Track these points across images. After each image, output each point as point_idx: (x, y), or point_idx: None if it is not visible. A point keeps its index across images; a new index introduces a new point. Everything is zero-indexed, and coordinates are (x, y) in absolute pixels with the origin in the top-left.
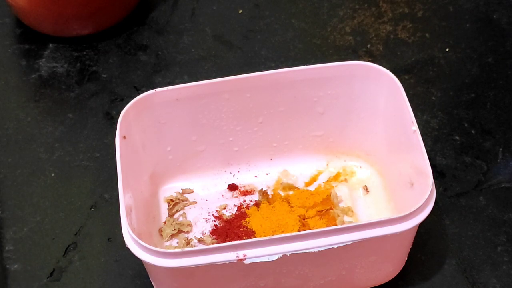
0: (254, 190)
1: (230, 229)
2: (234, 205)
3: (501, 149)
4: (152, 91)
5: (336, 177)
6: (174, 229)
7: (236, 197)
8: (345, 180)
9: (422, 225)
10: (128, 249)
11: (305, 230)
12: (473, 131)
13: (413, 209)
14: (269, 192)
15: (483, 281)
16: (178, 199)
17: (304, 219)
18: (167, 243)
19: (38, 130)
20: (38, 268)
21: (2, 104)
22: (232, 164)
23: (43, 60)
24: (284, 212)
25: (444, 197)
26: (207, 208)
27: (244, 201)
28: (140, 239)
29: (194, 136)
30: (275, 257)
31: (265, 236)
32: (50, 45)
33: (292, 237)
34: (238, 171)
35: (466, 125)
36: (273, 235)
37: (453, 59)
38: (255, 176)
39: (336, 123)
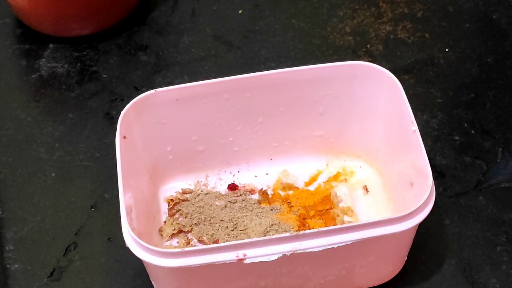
0: (254, 190)
1: None
2: None
3: (500, 149)
4: (152, 91)
5: (336, 177)
6: (174, 229)
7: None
8: (345, 180)
9: (422, 225)
10: (128, 249)
11: (305, 230)
12: (473, 131)
13: (413, 209)
14: (269, 192)
15: (482, 281)
16: (178, 199)
17: (304, 219)
18: (167, 243)
19: (38, 130)
20: (39, 268)
21: (2, 104)
22: (232, 164)
23: (43, 60)
24: (284, 212)
25: (444, 197)
26: None
27: None
28: (140, 239)
29: (194, 136)
30: (275, 257)
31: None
32: (50, 45)
33: (292, 237)
34: (238, 171)
35: (466, 125)
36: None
37: (453, 59)
38: (255, 176)
39: (336, 123)
